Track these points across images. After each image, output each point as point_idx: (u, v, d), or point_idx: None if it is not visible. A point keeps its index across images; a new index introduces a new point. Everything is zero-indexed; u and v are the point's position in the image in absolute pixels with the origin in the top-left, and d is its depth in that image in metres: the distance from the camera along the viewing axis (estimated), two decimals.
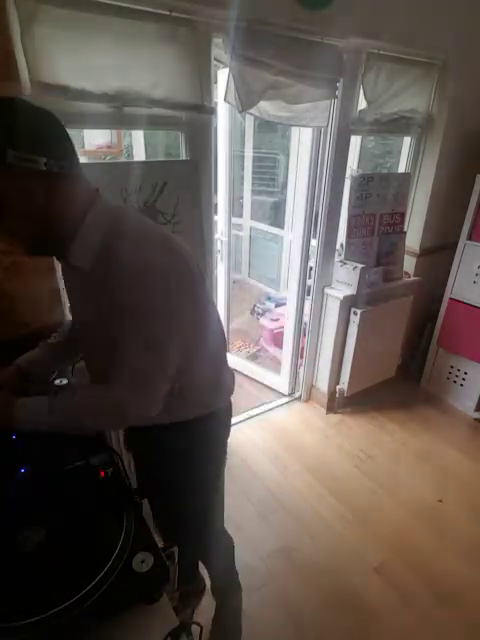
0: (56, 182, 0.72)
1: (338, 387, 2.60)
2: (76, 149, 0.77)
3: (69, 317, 1.59)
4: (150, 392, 0.82)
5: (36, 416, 0.82)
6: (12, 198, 0.70)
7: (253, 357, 3.14)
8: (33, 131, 0.69)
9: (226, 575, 1.47)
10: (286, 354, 2.69)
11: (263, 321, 3.26)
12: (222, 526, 1.33)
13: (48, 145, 0.71)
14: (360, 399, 2.68)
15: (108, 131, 2.78)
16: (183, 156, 1.70)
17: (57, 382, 1.20)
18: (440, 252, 2.67)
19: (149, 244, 0.79)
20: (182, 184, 1.64)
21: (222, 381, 1.06)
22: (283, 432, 2.43)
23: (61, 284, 1.62)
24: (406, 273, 2.66)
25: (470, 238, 2.40)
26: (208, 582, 1.59)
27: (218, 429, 1.10)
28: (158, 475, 1.10)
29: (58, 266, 1.49)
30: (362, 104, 2.06)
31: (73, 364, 1.27)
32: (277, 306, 3.45)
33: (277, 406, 2.68)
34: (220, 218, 2.55)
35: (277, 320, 3.17)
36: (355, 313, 2.37)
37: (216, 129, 2.36)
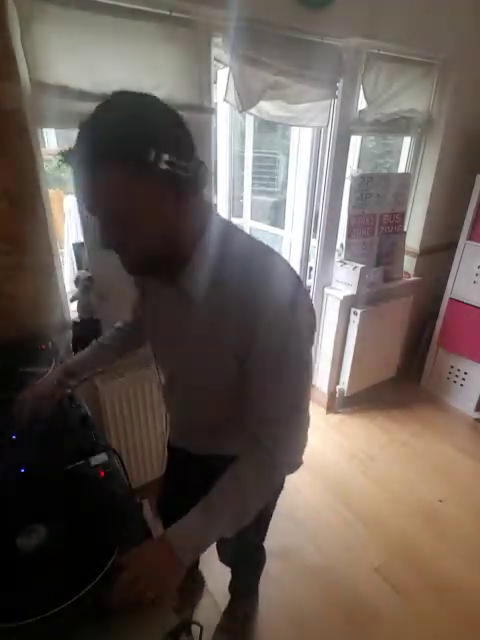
0: (191, 192, 0.64)
1: (338, 387, 2.60)
2: None
3: (69, 318, 1.60)
4: (300, 433, 0.78)
5: (207, 544, 0.73)
6: (144, 211, 0.62)
7: None
8: (179, 133, 0.63)
9: (249, 582, 1.48)
10: None
11: None
12: (263, 544, 1.34)
13: (191, 150, 0.64)
14: (360, 399, 2.68)
15: None
16: None
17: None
18: (440, 252, 2.67)
19: (292, 289, 0.70)
20: None
21: None
22: None
23: (67, 285, 1.62)
24: (406, 273, 2.66)
25: (470, 238, 2.40)
26: (208, 581, 1.60)
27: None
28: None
29: (61, 267, 1.50)
30: (362, 104, 2.06)
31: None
32: None
33: None
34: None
35: None
36: (355, 313, 2.37)
37: (216, 129, 2.36)
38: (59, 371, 1.07)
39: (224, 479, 0.74)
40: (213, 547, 1.27)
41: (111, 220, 0.64)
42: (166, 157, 0.58)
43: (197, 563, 1.55)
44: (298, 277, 0.74)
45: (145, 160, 0.57)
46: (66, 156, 0.62)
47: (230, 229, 0.76)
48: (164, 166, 0.58)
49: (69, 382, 1.06)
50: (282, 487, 1.11)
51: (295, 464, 0.80)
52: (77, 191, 0.64)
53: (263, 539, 1.28)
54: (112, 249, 0.68)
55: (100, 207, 0.62)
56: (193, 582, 1.56)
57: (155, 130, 0.59)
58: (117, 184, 0.59)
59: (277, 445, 0.74)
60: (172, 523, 0.73)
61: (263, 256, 0.73)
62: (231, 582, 1.47)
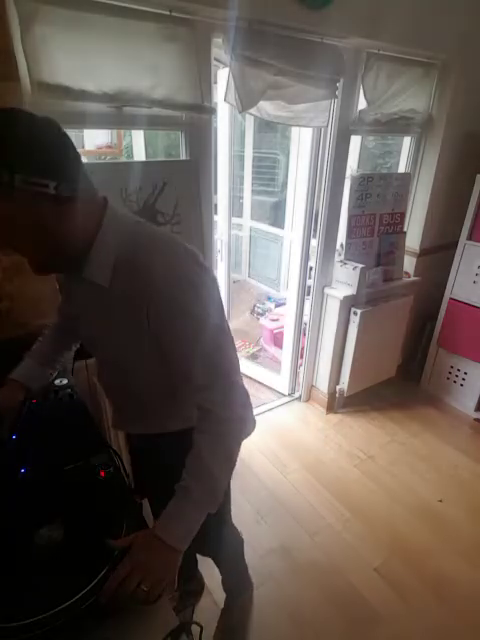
0: (67, 203, 0.67)
1: (338, 387, 2.60)
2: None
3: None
4: (237, 392, 0.81)
5: (193, 525, 0.75)
6: (20, 223, 0.65)
7: (253, 357, 3.15)
8: (41, 149, 0.64)
9: (236, 571, 1.48)
10: (286, 354, 2.69)
11: (263, 321, 3.26)
12: (231, 522, 1.33)
13: (58, 165, 0.66)
14: (360, 399, 2.68)
15: (108, 131, 2.78)
16: (183, 156, 1.70)
17: (57, 382, 1.21)
18: (440, 252, 2.67)
19: (179, 258, 0.76)
20: (182, 184, 1.64)
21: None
22: (283, 432, 2.43)
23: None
24: (406, 273, 2.66)
25: (470, 238, 2.40)
26: (208, 581, 1.60)
27: None
28: (165, 475, 1.10)
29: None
30: (362, 104, 2.06)
31: (70, 365, 1.27)
32: (277, 306, 3.45)
33: (277, 406, 2.68)
34: (220, 218, 2.55)
35: (277, 320, 3.17)
36: (355, 313, 2.37)
37: (216, 129, 2.36)
38: (8, 386, 1.04)
39: (188, 461, 0.78)
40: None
41: None
42: (21, 178, 0.60)
43: (196, 564, 1.55)
44: (185, 248, 0.78)
45: (10, 184, 0.60)
46: None
47: (133, 223, 0.80)
48: (22, 186, 0.61)
49: (19, 397, 1.04)
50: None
51: (243, 420, 0.83)
52: None
53: (229, 517, 1.28)
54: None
55: None
56: (192, 583, 1.56)
57: (11, 152, 0.61)
58: None
59: (217, 406, 0.78)
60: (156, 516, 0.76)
61: (149, 235, 0.78)
62: (223, 579, 1.47)
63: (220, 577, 1.46)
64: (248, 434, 0.87)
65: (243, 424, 0.83)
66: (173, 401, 0.93)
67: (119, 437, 1.76)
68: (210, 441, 0.78)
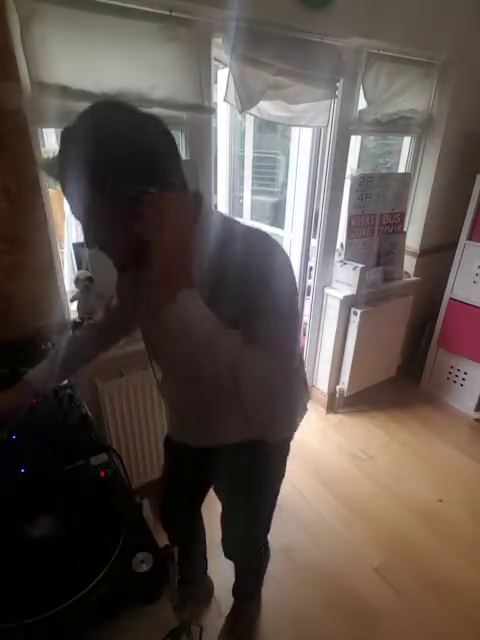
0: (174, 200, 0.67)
1: (338, 387, 2.60)
2: None
3: (69, 318, 1.60)
4: (291, 352, 0.77)
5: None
6: (113, 221, 0.66)
7: None
8: (146, 154, 0.64)
9: (255, 583, 1.49)
10: None
11: None
12: (266, 538, 1.35)
13: (161, 169, 0.66)
14: (360, 399, 2.68)
15: None
16: (183, 156, 1.70)
17: None
18: (440, 252, 2.67)
19: (274, 246, 0.76)
20: None
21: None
22: None
23: (67, 285, 1.62)
24: (406, 273, 2.66)
25: (470, 238, 2.40)
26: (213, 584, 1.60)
27: (290, 441, 1.13)
28: (239, 487, 1.10)
29: (61, 267, 1.50)
30: (362, 104, 2.06)
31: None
32: None
33: None
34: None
35: None
36: (355, 313, 2.37)
37: (216, 129, 2.36)
38: (18, 387, 1.02)
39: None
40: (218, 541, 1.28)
41: (88, 227, 0.70)
42: (125, 187, 0.62)
43: (206, 568, 1.54)
44: (275, 242, 0.77)
45: (105, 187, 0.62)
46: (49, 165, 0.65)
47: (217, 218, 0.80)
48: (125, 193, 0.62)
49: (27, 399, 1.02)
50: (284, 470, 1.14)
51: (296, 358, 0.79)
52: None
53: (268, 532, 1.29)
54: (97, 249, 0.73)
55: (77, 214, 0.69)
56: (202, 587, 1.56)
57: (118, 158, 0.62)
58: (85, 200, 0.64)
59: (270, 341, 0.72)
60: (172, 521, 0.74)
61: (243, 231, 0.78)
62: (235, 584, 1.47)
63: (223, 579, 1.47)
64: (299, 414, 0.90)
65: (294, 361, 0.78)
66: (235, 409, 0.86)
67: (118, 438, 1.76)
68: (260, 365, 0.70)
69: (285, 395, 0.75)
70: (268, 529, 1.27)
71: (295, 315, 0.77)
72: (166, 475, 1.27)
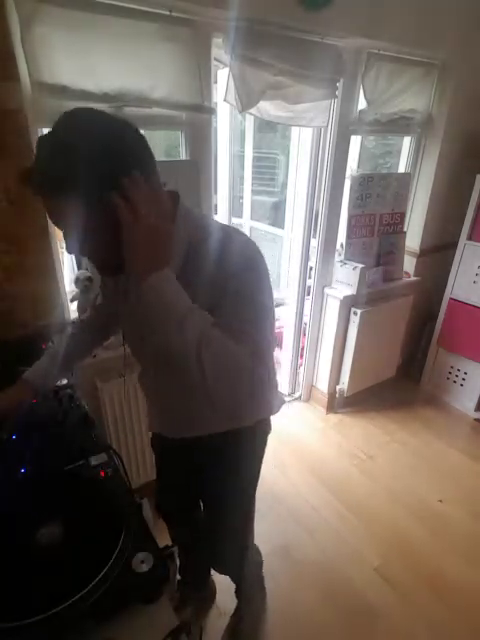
0: None
1: (338, 387, 2.60)
2: None
3: (69, 318, 1.60)
4: (268, 360, 0.77)
5: (170, 293, 0.67)
6: (99, 226, 0.67)
7: None
8: (129, 150, 0.66)
9: (252, 587, 1.50)
10: (286, 354, 2.69)
11: None
12: (252, 544, 1.36)
13: (141, 164, 0.67)
14: (360, 399, 2.68)
15: None
16: (183, 156, 1.70)
17: (57, 382, 1.20)
18: (440, 252, 2.67)
19: (249, 245, 0.78)
20: (182, 184, 1.63)
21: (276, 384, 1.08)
22: (283, 432, 2.42)
23: (67, 285, 1.62)
24: (406, 273, 2.66)
25: (470, 238, 2.40)
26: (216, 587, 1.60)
27: (267, 432, 1.14)
28: (217, 484, 1.11)
29: (61, 267, 1.50)
30: (362, 104, 2.06)
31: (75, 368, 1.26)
32: (277, 306, 3.44)
33: None
34: (220, 218, 2.55)
35: (277, 320, 3.17)
36: (355, 313, 2.37)
37: (216, 129, 2.36)
38: (18, 386, 1.03)
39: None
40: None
41: (71, 234, 0.69)
42: (102, 184, 0.62)
43: (209, 571, 1.54)
44: (250, 240, 0.80)
45: (94, 194, 0.62)
46: (33, 180, 0.65)
47: (195, 213, 0.81)
48: (101, 191, 0.62)
49: (27, 398, 1.02)
50: (260, 460, 1.14)
51: (260, 352, 0.74)
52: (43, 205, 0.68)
53: (252, 538, 1.30)
54: (79, 255, 0.75)
55: (59, 222, 0.69)
56: (205, 590, 1.56)
57: (102, 163, 0.62)
58: (70, 208, 0.64)
59: (245, 343, 0.71)
60: (169, 520, 0.74)
61: (218, 225, 0.81)
62: (236, 589, 1.47)
63: (223, 580, 1.46)
64: (270, 412, 0.93)
65: (257, 363, 0.74)
66: (211, 408, 0.92)
67: (127, 437, 1.76)
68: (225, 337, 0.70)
69: (247, 381, 0.73)
70: (252, 536, 1.28)
71: (268, 315, 0.78)
72: (157, 473, 1.30)
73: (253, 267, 0.75)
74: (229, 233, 0.78)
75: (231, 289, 0.72)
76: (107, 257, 0.74)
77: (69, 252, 0.74)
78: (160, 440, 1.10)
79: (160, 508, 1.28)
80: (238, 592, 1.48)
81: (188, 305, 0.67)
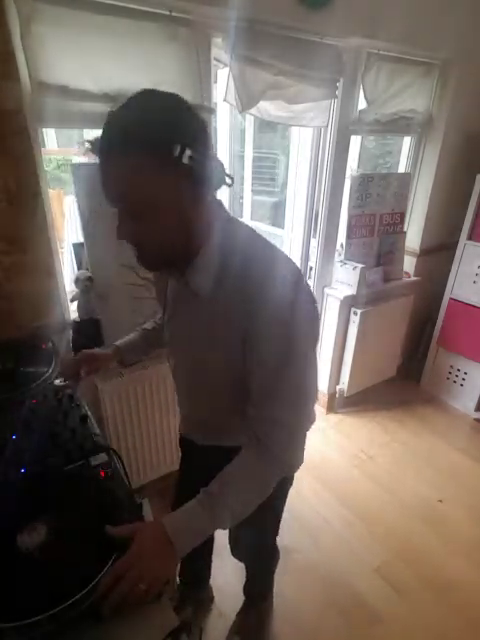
0: (206, 189, 0.66)
1: (338, 387, 2.60)
2: None
3: (69, 318, 1.60)
4: (302, 438, 0.79)
5: (201, 534, 0.73)
6: (166, 203, 0.63)
7: None
8: (201, 131, 0.65)
9: (266, 582, 1.49)
10: None
11: None
12: (274, 539, 1.35)
13: (211, 148, 0.66)
14: (360, 399, 2.68)
15: None
16: None
17: (57, 382, 1.20)
18: (440, 252, 2.67)
19: (290, 281, 0.71)
20: None
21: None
22: None
23: (67, 285, 1.62)
24: (406, 273, 2.66)
25: (470, 238, 2.40)
26: (212, 583, 1.59)
27: None
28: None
29: (61, 267, 1.50)
30: (362, 104, 2.06)
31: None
32: None
33: None
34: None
35: None
36: (355, 313, 2.37)
37: (216, 129, 2.36)
38: (112, 347, 1.11)
39: (225, 472, 0.76)
40: (224, 542, 1.27)
41: (132, 211, 0.65)
42: (189, 153, 0.60)
43: (209, 574, 1.54)
44: (300, 273, 0.75)
45: (170, 154, 0.59)
46: (93, 144, 0.63)
47: (235, 225, 0.77)
48: (187, 161, 0.60)
49: (115, 360, 1.10)
50: (291, 483, 1.11)
51: (294, 465, 0.81)
52: (102, 182, 0.64)
53: (276, 535, 1.29)
54: (129, 242, 0.69)
55: (122, 197, 0.64)
56: (204, 592, 1.56)
57: (181, 126, 0.61)
58: (142, 174, 0.60)
59: (277, 447, 0.75)
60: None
61: (264, 252, 0.75)
62: (246, 583, 1.47)
63: (222, 579, 1.47)
64: (291, 474, 0.86)
65: (293, 468, 0.81)
66: (239, 420, 0.90)
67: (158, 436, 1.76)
68: (254, 473, 0.76)
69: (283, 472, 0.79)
70: (277, 531, 1.27)
71: (305, 385, 0.75)
72: (181, 468, 1.26)
73: (288, 309, 0.69)
74: (269, 264, 0.71)
75: (262, 338, 0.69)
76: (158, 246, 0.69)
77: (120, 237, 0.68)
78: (188, 443, 1.07)
79: (173, 500, 1.27)
80: (246, 589, 1.48)
81: (210, 512, 0.71)
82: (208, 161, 0.64)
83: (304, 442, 0.81)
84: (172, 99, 0.65)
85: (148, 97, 0.64)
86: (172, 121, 0.61)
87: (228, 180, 0.71)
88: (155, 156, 0.60)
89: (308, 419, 0.79)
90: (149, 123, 0.60)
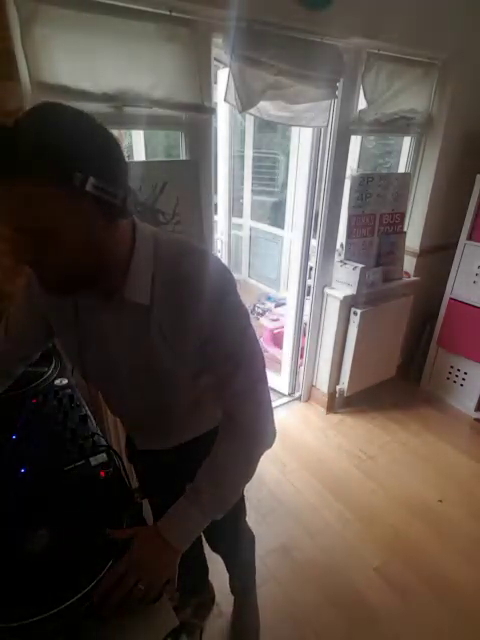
0: (120, 217, 0.63)
1: (338, 387, 2.60)
2: None
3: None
4: (267, 402, 0.82)
5: (196, 528, 0.75)
6: (69, 230, 0.58)
7: None
8: (114, 157, 0.60)
9: (247, 570, 1.49)
10: (286, 354, 2.69)
11: (263, 321, 3.26)
12: (245, 520, 1.34)
13: (123, 176, 0.62)
14: (360, 399, 2.68)
15: None
16: (183, 156, 1.70)
17: (57, 382, 1.21)
18: (440, 252, 2.67)
19: (217, 267, 0.74)
20: (182, 184, 1.64)
21: None
22: (283, 432, 2.43)
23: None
24: (406, 273, 2.66)
25: (470, 238, 2.40)
26: (214, 587, 1.59)
27: None
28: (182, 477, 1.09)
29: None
30: (362, 104, 2.06)
31: (70, 366, 1.26)
32: (277, 306, 3.45)
33: (277, 406, 2.68)
34: (220, 218, 2.55)
35: (277, 320, 3.17)
36: (355, 313, 2.37)
37: (216, 129, 2.36)
38: None
39: (206, 465, 0.78)
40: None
41: (29, 237, 0.58)
42: (93, 181, 0.55)
43: (207, 573, 1.54)
44: (215, 256, 0.78)
45: (70, 181, 0.54)
46: None
47: (156, 235, 0.75)
48: (91, 189, 0.55)
49: None
50: None
51: (269, 433, 0.83)
52: None
53: (245, 515, 1.29)
54: (28, 265, 0.64)
55: (17, 222, 0.57)
56: (204, 594, 1.56)
57: (84, 151, 0.56)
58: (36, 202, 0.54)
59: (247, 417, 0.79)
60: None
61: (178, 246, 0.75)
62: (231, 580, 1.47)
63: (221, 579, 1.46)
64: (269, 446, 0.85)
65: (268, 438, 0.83)
66: (199, 408, 0.93)
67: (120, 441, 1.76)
68: (234, 452, 0.79)
69: (266, 443, 0.82)
70: (245, 510, 1.27)
71: (257, 353, 0.79)
72: (141, 485, 1.16)
73: (223, 295, 0.73)
74: (194, 257, 0.73)
75: (217, 325, 0.72)
76: (62, 269, 0.63)
77: (18, 262, 0.62)
78: (147, 453, 1.03)
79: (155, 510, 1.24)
80: (233, 587, 1.48)
81: (202, 505, 0.74)
82: (117, 190, 0.58)
83: (272, 411, 0.84)
84: (76, 120, 0.57)
85: (49, 114, 0.56)
86: (74, 145, 0.54)
87: (134, 208, 0.65)
88: (52, 184, 0.53)
89: (266, 380, 0.82)
90: (47, 146, 0.52)
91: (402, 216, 2.49)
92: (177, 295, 0.71)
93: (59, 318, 0.84)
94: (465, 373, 2.62)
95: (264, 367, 0.82)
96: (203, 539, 1.43)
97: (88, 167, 0.55)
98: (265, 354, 0.86)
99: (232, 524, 1.23)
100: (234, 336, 0.75)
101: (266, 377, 0.83)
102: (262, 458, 0.82)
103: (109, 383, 0.88)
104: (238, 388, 0.77)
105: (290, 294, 2.55)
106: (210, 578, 1.57)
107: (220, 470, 0.78)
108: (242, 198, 3.65)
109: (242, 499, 1.19)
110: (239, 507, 1.22)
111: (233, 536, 1.28)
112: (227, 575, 1.45)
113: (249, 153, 3.33)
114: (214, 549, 1.32)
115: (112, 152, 0.60)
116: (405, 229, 2.55)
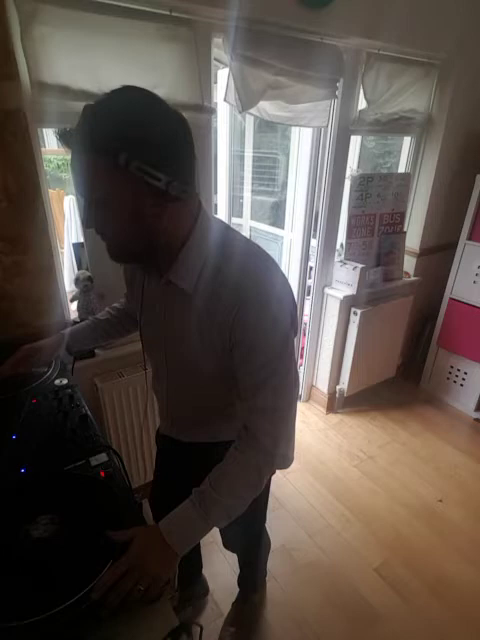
0: (172, 202, 0.66)
1: (338, 387, 2.60)
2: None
3: (69, 318, 1.60)
4: (289, 427, 0.81)
5: (197, 534, 0.75)
6: (118, 203, 0.65)
7: None
8: (165, 143, 0.63)
9: (258, 571, 1.51)
10: None
11: None
12: (264, 526, 1.36)
13: (175, 163, 0.64)
14: (360, 399, 2.68)
15: None
16: None
17: (57, 382, 1.21)
18: (440, 252, 2.67)
19: (272, 275, 0.75)
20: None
21: None
22: None
23: (67, 285, 1.62)
24: (406, 273, 2.66)
25: (470, 238, 2.40)
26: (212, 584, 1.60)
27: None
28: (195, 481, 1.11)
29: (61, 267, 1.50)
30: (362, 104, 2.06)
31: (70, 365, 1.27)
32: None
33: None
34: (223, 218, 2.54)
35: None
36: (355, 313, 2.37)
37: (216, 129, 2.36)
38: (58, 335, 1.12)
39: (216, 470, 0.78)
40: (216, 536, 1.27)
41: (92, 207, 0.68)
42: (136, 164, 0.60)
43: (201, 567, 1.54)
44: (285, 278, 0.79)
45: (115, 161, 0.60)
46: (61, 135, 0.66)
47: (225, 231, 0.79)
48: (134, 170, 0.61)
49: (61, 351, 1.11)
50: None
51: (287, 457, 0.83)
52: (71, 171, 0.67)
53: (264, 522, 1.30)
54: (94, 230, 0.72)
55: (80, 188, 0.67)
56: (197, 586, 1.56)
57: (137, 135, 0.61)
58: (92, 173, 0.63)
59: (266, 437, 0.77)
60: (161, 511, 0.75)
61: (256, 258, 0.77)
62: (240, 575, 1.48)
63: (221, 579, 1.47)
64: (281, 468, 0.85)
65: (283, 461, 0.82)
66: (225, 416, 0.93)
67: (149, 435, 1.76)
68: (245, 466, 0.77)
69: (276, 465, 0.81)
70: (265, 517, 1.28)
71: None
72: (157, 465, 1.27)
73: (269, 303, 0.72)
74: (251, 258, 0.74)
75: (250, 333, 0.72)
76: (124, 242, 0.71)
77: (83, 225, 0.72)
78: (169, 441, 1.07)
79: (151, 497, 1.26)
80: (241, 581, 1.48)
81: (205, 512, 0.73)
82: (165, 175, 0.62)
83: (293, 433, 0.83)
84: (142, 105, 0.64)
85: (116, 97, 0.64)
86: (129, 130, 0.60)
87: (188, 193, 0.68)
88: (104, 160, 0.61)
89: (294, 406, 0.82)
90: (105, 128, 0.61)
91: (402, 216, 2.49)
92: (219, 291, 0.72)
93: (133, 286, 0.96)
94: (465, 373, 2.62)
95: (295, 393, 0.81)
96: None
97: (136, 150, 0.60)
98: None
99: (247, 527, 1.23)
100: (267, 351, 0.73)
101: (294, 402, 0.81)
102: None
103: (152, 354, 0.96)
104: (260, 404, 0.76)
105: None
106: (209, 579, 1.57)
107: (227, 478, 0.77)
108: (242, 198, 3.65)
109: (262, 508, 1.20)
110: (257, 511, 1.19)
111: (246, 539, 1.29)
112: (225, 573, 1.46)
113: (249, 153, 3.33)
114: (227, 547, 1.33)
115: (171, 141, 0.64)
116: (405, 229, 2.55)
